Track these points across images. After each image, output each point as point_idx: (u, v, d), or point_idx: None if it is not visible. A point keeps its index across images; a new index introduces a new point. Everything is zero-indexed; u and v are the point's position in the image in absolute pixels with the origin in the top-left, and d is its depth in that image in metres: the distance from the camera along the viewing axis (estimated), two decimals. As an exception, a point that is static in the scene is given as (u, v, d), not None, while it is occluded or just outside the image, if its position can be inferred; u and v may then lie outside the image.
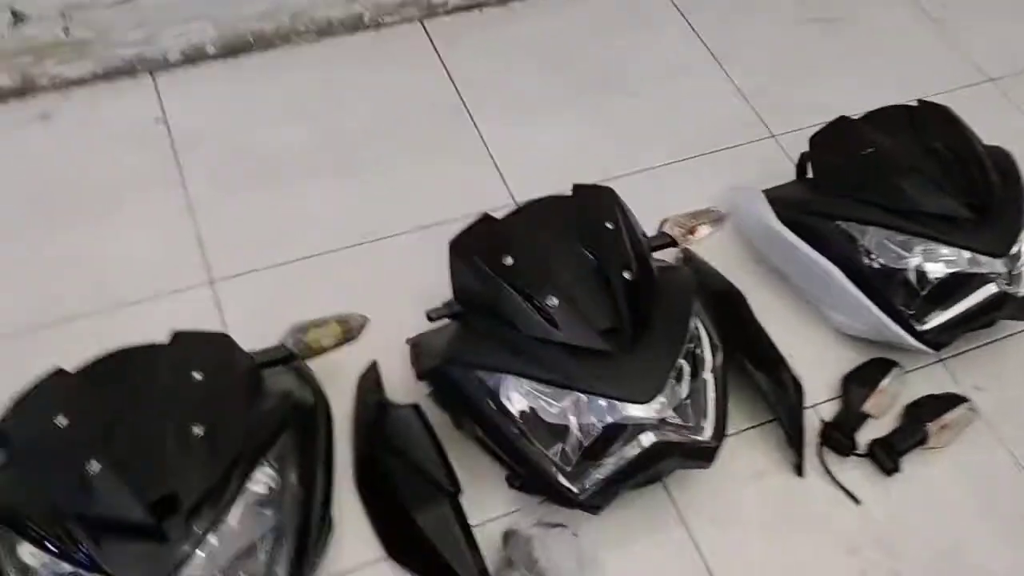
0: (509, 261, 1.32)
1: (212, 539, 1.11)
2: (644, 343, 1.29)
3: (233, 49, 1.85)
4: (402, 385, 1.44)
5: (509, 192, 1.73)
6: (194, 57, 1.83)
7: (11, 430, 1.15)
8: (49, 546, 1.08)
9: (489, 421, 1.30)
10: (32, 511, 1.09)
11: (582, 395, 1.27)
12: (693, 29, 2.05)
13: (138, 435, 1.12)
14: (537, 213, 1.42)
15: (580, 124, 1.86)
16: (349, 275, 1.59)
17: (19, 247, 1.59)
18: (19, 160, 1.70)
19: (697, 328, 1.36)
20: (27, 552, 1.11)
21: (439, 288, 1.37)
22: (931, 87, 1.92)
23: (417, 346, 1.42)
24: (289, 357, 1.30)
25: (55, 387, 1.17)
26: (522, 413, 1.29)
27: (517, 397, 1.29)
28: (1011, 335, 1.60)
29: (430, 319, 1.38)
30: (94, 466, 1.07)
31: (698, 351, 1.35)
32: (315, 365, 1.41)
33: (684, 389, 1.32)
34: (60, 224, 1.62)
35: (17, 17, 1.66)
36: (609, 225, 1.37)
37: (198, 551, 1.09)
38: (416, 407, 1.37)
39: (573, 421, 1.29)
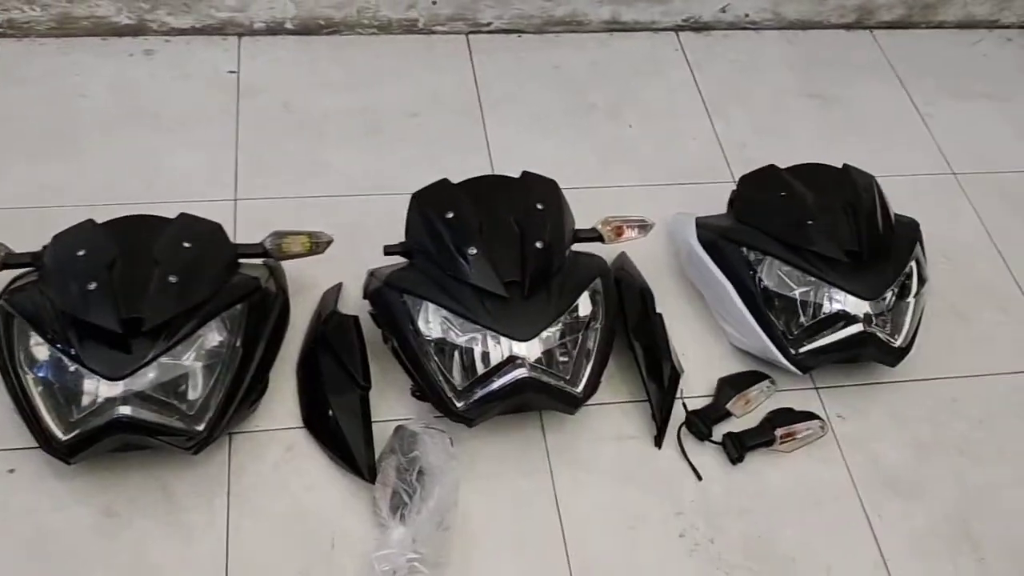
0: (450, 215, 1.65)
1: (163, 359, 1.47)
2: (537, 298, 1.59)
3: (307, 28, 2.27)
4: (355, 305, 1.78)
5: (494, 180, 2.06)
6: (274, 29, 2.25)
7: (46, 255, 1.55)
8: (52, 338, 1.46)
9: (406, 339, 1.62)
10: (47, 312, 1.48)
11: (480, 330, 1.58)
12: (695, 81, 2.35)
13: (131, 272, 1.49)
14: (486, 185, 1.75)
15: (573, 141, 2.18)
16: (347, 218, 1.94)
17: (103, 143, 2.03)
18: (124, 80, 2.16)
19: (590, 299, 1.65)
20: (35, 343, 1.50)
21: None
22: (897, 168, 2.16)
23: (372, 274, 1.76)
24: (262, 253, 1.66)
25: (82, 230, 1.57)
26: (434, 338, 1.60)
27: (432, 323, 1.61)
28: (888, 383, 1.81)
29: (386, 253, 1.71)
30: (92, 286, 1.45)
31: (584, 318, 1.64)
32: (297, 277, 1.78)
33: (559, 342, 1.60)
34: (138, 132, 2.06)
35: (142, -28, 2.13)
36: (539, 206, 1.68)
37: (151, 365, 1.46)
38: (355, 318, 1.71)
39: (466, 350, 1.59)
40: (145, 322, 1.44)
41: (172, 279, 1.49)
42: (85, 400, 1.46)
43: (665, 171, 2.15)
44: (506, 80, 2.29)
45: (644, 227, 1.81)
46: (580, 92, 2.30)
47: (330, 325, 1.71)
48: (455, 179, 1.88)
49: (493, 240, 1.62)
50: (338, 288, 1.81)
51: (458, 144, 2.14)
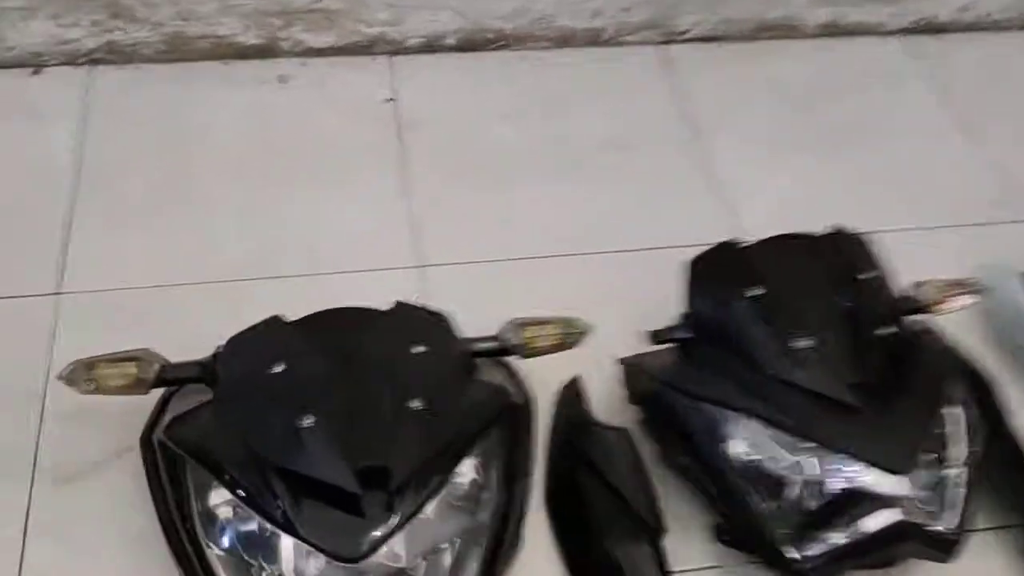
0: (758, 292, 1.21)
1: (408, 527, 1.03)
2: (897, 407, 1.15)
3: (471, 43, 1.83)
4: (604, 407, 1.33)
5: (740, 228, 1.62)
6: (432, 45, 1.82)
7: (224, 368, 1.11)
8: (245, 494, 1.02)
9: (707, 461, 1.18)
10: (234, 454, 1.04)
11: (819, 452, 1.14)
12: (941, 93, 1.91)
13: (354, 398, 1.05)
14: (785, 248, 1.30)
15: (817, 172, 1.75)
16: (560, 284, 1.50)
17: (235, 198, 1.60)
18: (253, 116, 1.72)
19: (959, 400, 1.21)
20: (219, 497, 1.06)
21: (653, 314, 1.29)
22: None
23: (633, 366, 1.32)
24: (504, 351, 1.22)
25: (272, 333, 1.12)
26: (744, 459, 1.16)
27: (742, 440, 1.17)
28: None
29: (655, 340, 1.28)
30: (308, 420, 1.01)
31: (950, 431, 1.20)
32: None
33: (932, 470, 1.17)
34: (280, 184, 1.62)
35: (276, -23, 1.69)
36: (864, 275, 1.25)
37: (394, 536, 1.01)
38: (625, 431, 1.27)
39: (799, 479, 1.15)
40: (393, 474, 1.00)
41: (414, 404, 1.05)
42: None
43: (937, 210, 1.71)
44: (715, 99, 1.85)
45: (978, 292, 1.37)
46: (804, 109, 1.86)
47: (590, 441, 1.27)
48: (698, 233, 1.47)
49: (821, 325, 1.18)
50: (578, 386, 1.37)
51: (675, 181, 1.71)
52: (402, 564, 1.03)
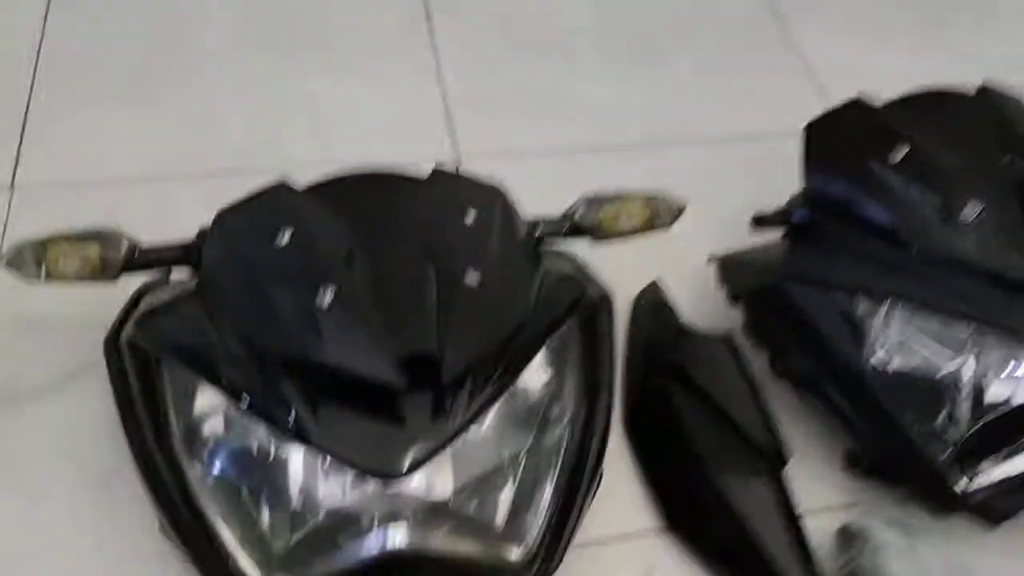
0: (901, 155, 0.94)
1: (460, 442, 0.76)
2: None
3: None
4: (691, 315, 1.07)
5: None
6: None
7: (213, 246, 0.83)
8: (244, 397, 0.75)
9: (839, 366, 0.91)
10: (227, 350, 0.76)
11: (994, 348, 0.87)
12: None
13: (387, 269, 0.78)
14: (929, 105, 1.02)
15: (922, 52, 1.48)
16: (625, 179, 1.23)
17: (241, 77, 1.34)
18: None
19: None
20: (206, 407, 0.79)
21: (739, 210, 1.04)
22: None
23: (729, 261, 1.05)
24: (575, 230, 0.94)
25: (274, 199, 0.84)
26: (892, 361, 0.89)
27: (889, 336, 0.90)
28: None
29: (757, 225, 1.01)
30: (327, 297, 0.74)
31: None
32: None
33: None
34: (287, 60, 1.37)
35: None
36: (1034, 135, 0.98)
37: (443, 451, 0.74)
38: (729, 337, 1.00)
39: (966, 385, 0.88)
40: (444, 365, 0.73)
41: (470, 278, 0.78)
42: (322, 518, 0.76)
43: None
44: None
45: None
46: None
47: (684, 352, 1.00)
48: (787, 122, 1.19)
49: (989, 192, 0.91)
50: (658, 290, 1.09)
51: (761, 64, 1.46)
52: (447, 494, 0.77)
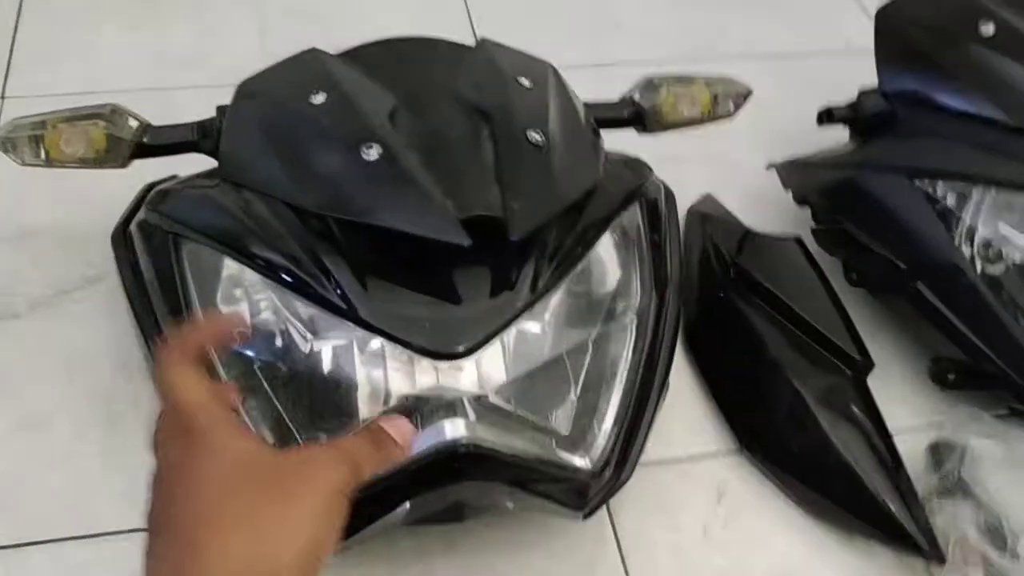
0: (990, 30, 0.86)
1: (517, 329, 0.67)
2: None
3: None
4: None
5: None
6: None
7: (234, 115, 0.73)
8: (280, 274, 0.65)
9: (935, 264, 0.82)
10: (257, 219, 0.66)
11: None
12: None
13: (438, 128, 0.68)
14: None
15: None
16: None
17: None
18: None
19: None
20: (233, 285, 0.69)
21: (790, 135, 0.99)
22: None
23: (793, 164, 0.95)
24: (633, 117, 0.84)
25: (307, 63, 0.74)
26: (994, 257, 0.81)
27: (992, 225, 0.81)
28: None
29: (824, 121, 0.92)
30: (371, 152, 0.64)
31: None
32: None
33: None
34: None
35: None
36: None
37: (506, 330, 0.65)
38: (799, 240, 0.91)
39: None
40: (512, 223, 0.63)
41: (534, 135, 0.68)
42: (361, 408, 0.66)
43: None
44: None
45: None
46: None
47: (752, 257, 0.90)
48: (832, 37, 1.13)
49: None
50: (714, 202, 1.00)
51: None
52: (502, 380, 0.67)
